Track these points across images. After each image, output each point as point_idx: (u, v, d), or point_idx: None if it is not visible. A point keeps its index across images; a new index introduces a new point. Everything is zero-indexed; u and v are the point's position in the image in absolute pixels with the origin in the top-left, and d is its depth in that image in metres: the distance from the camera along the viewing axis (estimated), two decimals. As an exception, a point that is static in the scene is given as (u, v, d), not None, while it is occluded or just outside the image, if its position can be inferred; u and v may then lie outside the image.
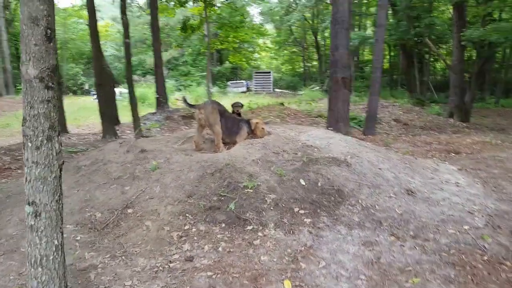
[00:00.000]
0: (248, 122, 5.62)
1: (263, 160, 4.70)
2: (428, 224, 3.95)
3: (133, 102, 9.62)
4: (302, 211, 3.96)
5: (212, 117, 5.18)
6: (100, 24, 45.61)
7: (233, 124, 5.48)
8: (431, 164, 6.01)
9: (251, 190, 4.10)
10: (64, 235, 3.65)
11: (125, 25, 9.33)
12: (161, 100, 13.95)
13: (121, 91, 28.37)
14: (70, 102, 26.01)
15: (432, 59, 29.09)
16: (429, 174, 5.41)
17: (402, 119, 13.89)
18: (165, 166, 4.59)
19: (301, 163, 4.71)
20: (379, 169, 4.97)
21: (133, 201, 4.10)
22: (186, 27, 15.57)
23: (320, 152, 5.07)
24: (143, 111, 17.60)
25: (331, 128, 9.91)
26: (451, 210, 4.27)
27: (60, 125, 8.23)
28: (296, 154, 4.98)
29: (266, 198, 4.04)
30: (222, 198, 4.03)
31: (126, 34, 9.40)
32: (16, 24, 34.94)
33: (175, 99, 25.34)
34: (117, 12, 40.82)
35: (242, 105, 6.30)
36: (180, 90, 30.03)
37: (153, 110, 14.76)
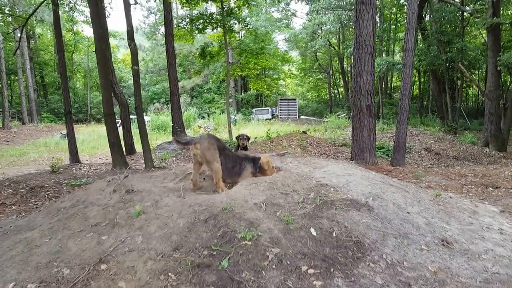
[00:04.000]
0: (253, 160, 4.91)
1: (268, 203, 3.98)
2: (468, 286, 3.12)
3: (142, 132, 9.14)
4: (311, 271, 3.19)
5: (208, 153, 4.52)
6: (126, 52, 46.85)
7: (235, 163, 4.78)
8: (468, 205, 5.14)
9: (250, 243, 3.38)
10: (22, 297, 3.06)
11: (134, 52, 8.94)
12: (177, 128, 13.48)
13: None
14: (91, 131, 26.20)
15: (464, 85, 27.84)
16: (467, 218, 4.55)
17: (434, 148, 12.91)
18: (152, 211, 3.93)
19: (313, 206, 3.97)
20: (408, 213, 4.17)
21: (109, 254, 3.44)
22: (205, 53, 15.23)
23: (336, 192, 4.31)
24: (162, 139, 17.28)
25: (353, 161, 9.12)
26: (495, 265, 3.43)
27: (72, 155, 7.75)
28: (308, 195, 4.24)
29: (267, 253, 3.30)
30: (214, 253, 3.32)
31: (134, 61, 9.00)
32: (42, 52, 36.08)
33: (197, 127, 25.08)
34: (141, 40, 41.77)
35: (248, 138, 5.66)
36: (203, 117, 29.81)
37: (170, 139, 14.31)
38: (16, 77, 31.69)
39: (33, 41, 35.75)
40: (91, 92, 34.37)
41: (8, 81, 37.90)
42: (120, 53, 44.12)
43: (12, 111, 33.40)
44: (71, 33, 36.90)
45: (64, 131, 23.57)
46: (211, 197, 4.08)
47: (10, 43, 31.92)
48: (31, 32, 34.67)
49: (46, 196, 6.71)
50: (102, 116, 33.42)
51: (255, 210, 3.83)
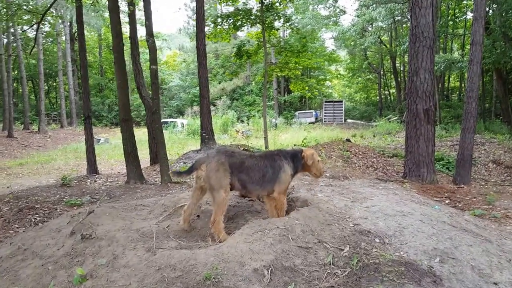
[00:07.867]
0: (292, 156, 3.59)
1: (276, 266, 2.62)
2: None
3: (159, 141, 8.03)
4: None
5: (214, 176, 3.24)
6: (169, 54, 46.74)
7: (265, 168, 3.44)
8: None
9: None
10: None
11: (152, 49, 7.84)
12: (205, 135, 12.28)
13: (182, 122, 27.69)
14: (128, 135, 25.64)
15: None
16: None
17: (504, 161, 10.85)
18: (104, 275, 2.67)
19: (346, 273, 2.58)
20: (495, 284, 2.66)
21: None
22: (241, 52, 13.97)
23: (384, 247, 2.87)
24: (193, 146, 16.14)
25: (406, 179, 7.44)
26: None
27: (89, 165, 6.76)
28: (341, 250, 2.85)
29: None
30: None
31: (153, 59, 7.89)
32: (87, 54, 36.58)
33: (235, 131, 23.89)
34: (184, 41, 41.35)
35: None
36: (243, 121, 28.56)
37: (198, 147, 13.16)
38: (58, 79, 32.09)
39: (77, 43, 36.17)
40: (132, 94, 34.06)
41: (54, 83, 38.59)
42: (164, 54, 43.95)
43: (53, 114, 33.72)
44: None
45: (98, 136, 22.99)
46: (192, 255, 2.73)
47: (55, 46, 32.40)
48: (76, 34, 35.15)
49: (33, 220, 5.66)
50: (142, 119, 32.99)
51: (253, 282, 2.47)
